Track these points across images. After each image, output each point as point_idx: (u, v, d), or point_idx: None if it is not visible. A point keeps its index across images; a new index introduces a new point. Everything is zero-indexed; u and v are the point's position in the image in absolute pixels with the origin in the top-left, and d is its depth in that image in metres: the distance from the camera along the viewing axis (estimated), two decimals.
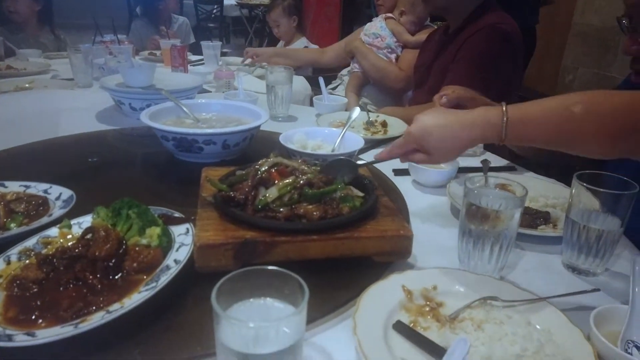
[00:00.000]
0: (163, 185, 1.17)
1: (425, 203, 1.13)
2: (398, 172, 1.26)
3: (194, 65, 2.70)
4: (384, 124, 1.64)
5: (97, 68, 2.19)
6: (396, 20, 2.41)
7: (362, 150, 1.27)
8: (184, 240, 0.78)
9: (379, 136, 1.55)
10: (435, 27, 2.25)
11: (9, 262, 0.73)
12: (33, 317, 0.63)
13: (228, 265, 0.73)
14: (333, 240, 0.77)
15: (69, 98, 1.92)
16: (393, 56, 2.39)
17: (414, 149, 0.89)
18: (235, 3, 7.85)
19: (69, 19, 6.08)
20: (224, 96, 1.81)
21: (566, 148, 0.80)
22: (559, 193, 1.11)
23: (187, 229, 0.81)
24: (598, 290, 0.77)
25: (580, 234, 0.83)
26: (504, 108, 0.80)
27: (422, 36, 2.23)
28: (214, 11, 7.52)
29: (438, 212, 1.08)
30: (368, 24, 2.53)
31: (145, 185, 1.17)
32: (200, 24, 7.14)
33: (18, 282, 0.69)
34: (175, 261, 0.72)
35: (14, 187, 0.98)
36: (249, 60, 2.68)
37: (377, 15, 2.57)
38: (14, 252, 0.75)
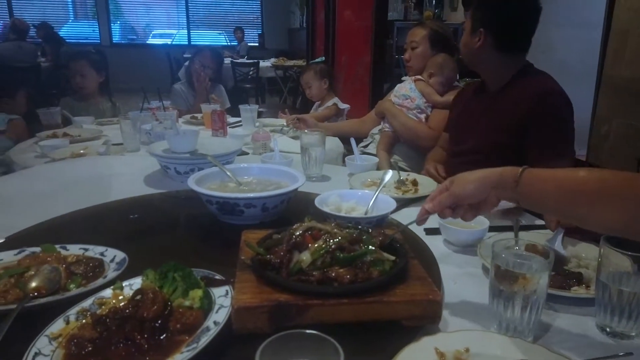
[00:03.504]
0: (206, 246, 1.24)
1: (457, 263, 1.15)
2: (430, 231, 1.29)
3: (231, 127, 2.86)
4: (415, 183, 1.69)
5: (144, 133, 2.36)
6: (425, 81, 2.50)
7: (394, 210, 1.31)
8: (223, 302, 0.83)
9: (410, 195, 1.59)
10: (462, 87, 2.32)
11: (68, 322, 0.80)
12: None
13: (264, 328, 0.77)
14: (363, 304, 0.80)
15: (119, 163, 2.07)
16: (423, 116, 2.47)
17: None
18: (271, 65, 8.29)
19: (118, 83, 6.71)
20: (261, 158, 1.91)
21: (576, 215, 0.83)
22: (591, 254, 1.10)
23: (227, 291, 0.86)
24: (631, 354, 0.77)
25: (612, 296, 0.83)
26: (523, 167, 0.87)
27: (450, 96, 2.30)
28: (251, 72, 7.95)
29: (470, 272, 1.09)
30: (398, 85, 2.64)
31: (190, 246, 1.24)
32: (237, 84, 7.55)
33: (75, 341, 0.75)
34: (215, 322, 0.77)
35: (74, 249, 1.07)
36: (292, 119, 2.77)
37: (406, 74, 2.68)
38: (72, 312, 0.82)
